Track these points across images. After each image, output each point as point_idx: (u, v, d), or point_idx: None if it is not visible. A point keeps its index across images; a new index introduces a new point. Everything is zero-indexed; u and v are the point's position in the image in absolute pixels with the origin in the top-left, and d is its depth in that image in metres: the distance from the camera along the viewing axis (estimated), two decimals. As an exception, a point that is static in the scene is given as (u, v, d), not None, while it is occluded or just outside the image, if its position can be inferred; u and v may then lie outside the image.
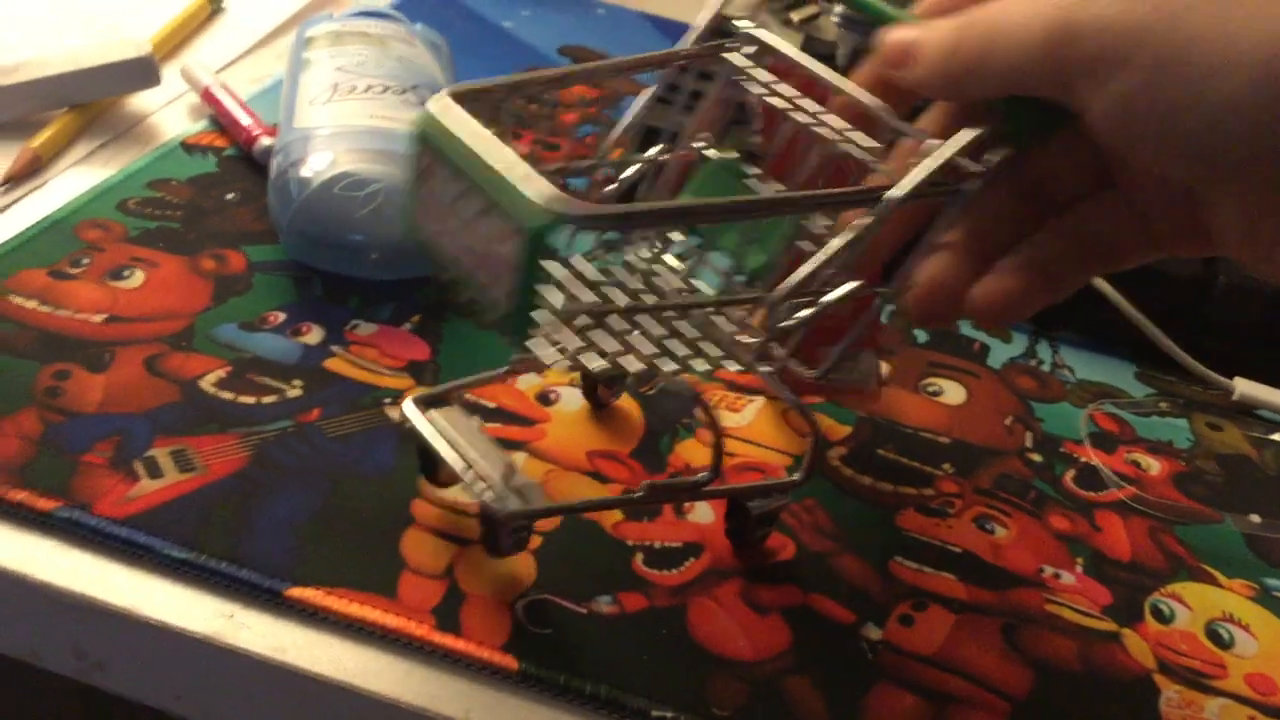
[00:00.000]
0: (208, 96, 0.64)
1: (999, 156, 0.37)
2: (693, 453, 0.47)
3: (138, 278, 0.51)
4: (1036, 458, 0.50)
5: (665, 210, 0.39)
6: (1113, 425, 0.53)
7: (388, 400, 0.47)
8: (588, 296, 0.37)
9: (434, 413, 0.41)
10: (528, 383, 0.49)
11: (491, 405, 0.48)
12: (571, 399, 0.49)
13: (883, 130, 0.39)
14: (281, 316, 0.50)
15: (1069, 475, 0.49)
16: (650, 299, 0.41)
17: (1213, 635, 0.43)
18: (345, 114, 0.55)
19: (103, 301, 0.49)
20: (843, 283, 0.37)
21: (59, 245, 0.52)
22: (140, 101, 0.65)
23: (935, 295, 0.39)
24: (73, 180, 0.58)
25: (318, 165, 0.52)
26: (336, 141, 0.53)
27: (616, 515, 0.44)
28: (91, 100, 0.62)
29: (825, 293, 0.37)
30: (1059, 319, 0.58)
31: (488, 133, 0.35)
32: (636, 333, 0.38)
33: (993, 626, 0.42)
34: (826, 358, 0.40)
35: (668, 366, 0.37)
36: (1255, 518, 0.49)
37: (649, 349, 0.37)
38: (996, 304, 0.38)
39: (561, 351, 0.35)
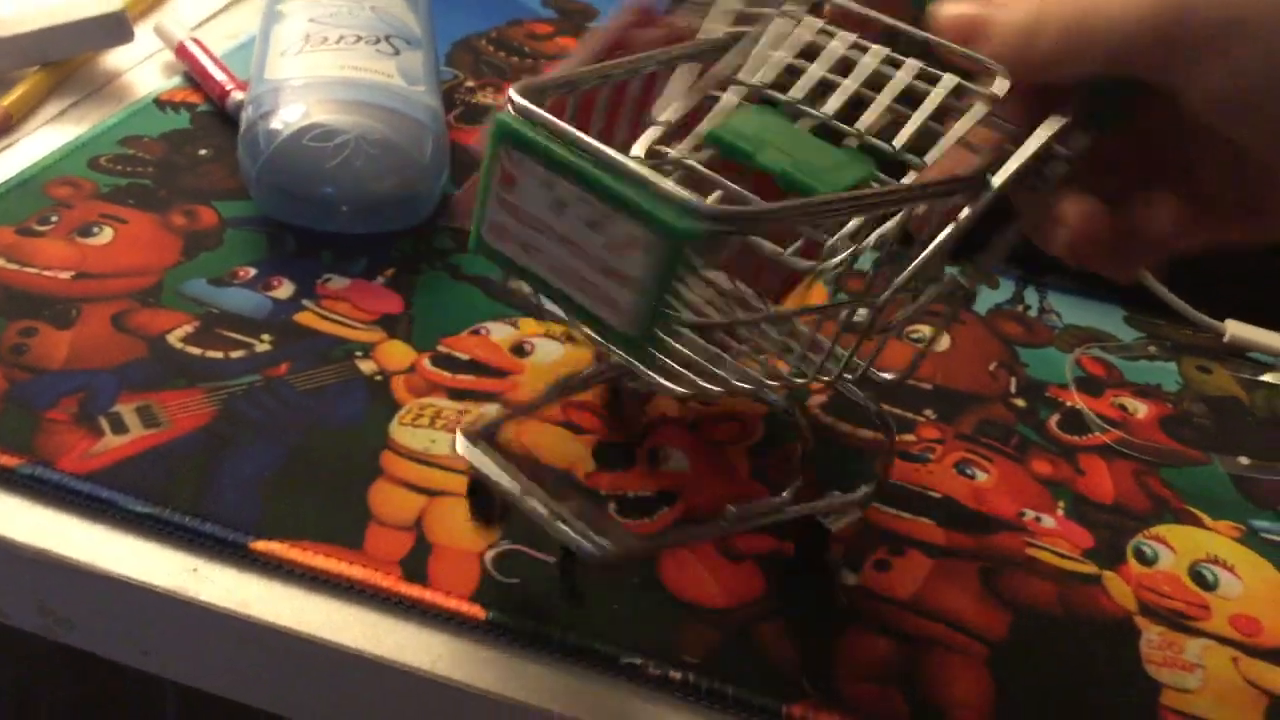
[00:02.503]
0: (181, 52, 0.63)
1: (1083, 143, 0.34)
2: (670, 403, 0.46)
3: (107, 234, 0.50)
4: (1020, 403, 0.49)
5: (807, 206, 0.33)
6: (1099, 369, 0.52)
7: (359, 353, 0.46)
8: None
9: (487, 446, 0.37)
10: (502, 335, 0.49)
11: (465, 358, 0.47)
12: (546, 350, 0.48)
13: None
14: (252, 271, 0.50)
15: (1053, 419, 0.49)
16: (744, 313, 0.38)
17: (1196, 576, 0.42)
18: (316, 65, 0.54)
19: (70, 258, 0.49)
20: (932, 279, 0.35)
21: (28, 203, 0.52)
22: (114, 59, 0.64)
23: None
24: (44, 138, 0.57)
25: (288, 117, 0.51)
26: (307, 93, 0.52)
27: (590, 464, 0.43)
28: (64, 58, 0.62)
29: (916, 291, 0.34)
30: (1047, 264, 0.57)
31: (584, 134, 0.31)
32: (744, 346, 0.36)
33: (971, 570, 0.41)
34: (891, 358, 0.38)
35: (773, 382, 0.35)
36: (1244, 459, 0.48)
37: (751, 364, 0.35)
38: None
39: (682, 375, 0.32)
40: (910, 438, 0.47)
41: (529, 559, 0.39)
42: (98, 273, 0.48)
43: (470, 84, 0.66)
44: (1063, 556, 0.42)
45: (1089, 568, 0.42)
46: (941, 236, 0.34)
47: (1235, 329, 0.54)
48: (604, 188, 0.30)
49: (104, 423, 0.42)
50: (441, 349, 0.47)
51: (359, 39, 0.56)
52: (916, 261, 0.34)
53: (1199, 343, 0.55)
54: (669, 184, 0.30)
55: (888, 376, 0.38)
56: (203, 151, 0.57)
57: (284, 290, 0.49)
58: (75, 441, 0.41)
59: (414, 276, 0.51)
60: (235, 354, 0.45)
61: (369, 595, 0.37)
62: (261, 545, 0.38)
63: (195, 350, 0.45)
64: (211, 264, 0.50)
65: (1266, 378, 0.53)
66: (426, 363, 0.46)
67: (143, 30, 0.65)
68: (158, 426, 0.42)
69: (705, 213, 0.29)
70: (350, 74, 0.54)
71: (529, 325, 0.49)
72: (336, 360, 0.46)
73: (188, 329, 0.46)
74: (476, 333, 0.48)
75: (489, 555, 0.39)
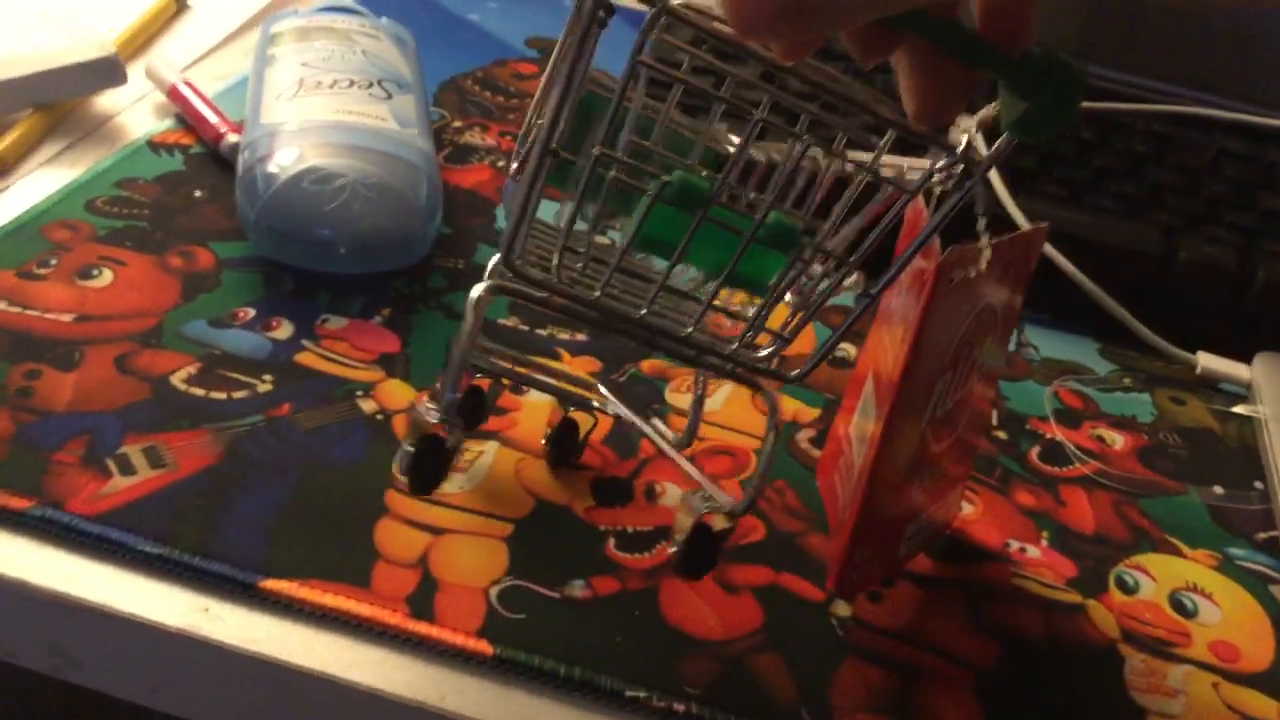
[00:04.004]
0: (174, 94, 0.64)
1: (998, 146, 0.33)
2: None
3: (106, 277, 0.51)
4: (1002, 435, 0.51)
5: None
6: (1077, 401, 0.54)
7: (359, 393, 0.47)
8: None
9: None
10: (498, 372, 0.50)
11: (461, 396, 0.48)
12: (541, 398, 0.49)
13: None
14: (251, 312, 0.50)
15: (1034, 451, 0.50)
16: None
17: (1176, 604, 0.44)
18: (311, 109, 0.55)
19: (71, 301, 0.50)
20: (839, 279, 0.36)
21: (26, 247, 0.52)
22: (106, 101, 0.65)
23: None
24: (40, 181, 0.58)
25: (284, 160, 0.52)
26: (303, 136, 0.53)
27: (589, 500, 0.44)
28: (57, 101, 0.62)
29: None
30: (1024, 298, 0.59)
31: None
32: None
33: (959, 601, 0.43)
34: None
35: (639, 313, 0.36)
36: (1218, 489, 0.50)
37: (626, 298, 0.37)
38: None
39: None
40: (897, 471, 0.48)
41: (533, 594, 0.40)
42: (99, 315, 0.49)
43: (458, 124, 0.67)
44: (1047, 586, 0.44)
45: (1073, 597, 0.44)
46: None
47: (1207, 361, 0.56)
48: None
49: (111, 464, 0.42)
50: (439, 387, 0.48)
51: (352, 83, 0.58)
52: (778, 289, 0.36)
53: (1172, 375, 0.56)
54: None
55: (791, 375, 0.38)
56: (197, 193, 0.58)
57: (283, 331, 0.50)
58: (84, 483, 0.41)
59: (410, 316, 0.52)
60: (238, 394, 0.46)
61: (377, 633, 0.38)
62: (271, 584, 0.39)
63: (199, 391, 0.46)
64: (210, 305, 0.51)
65: (1238, 409, 0.54)
66: (425, 401, 0.47)
67: (134, 72, 0.66)
68: (164, 467, 0.42)
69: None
70: (345, 118, 0.55)
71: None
72: (338, 400, 0.47)
73: (190, 370, 0.47)
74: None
75: (494, 591, 0.40)
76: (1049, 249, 0.57)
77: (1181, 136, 0.68)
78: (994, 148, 0.33)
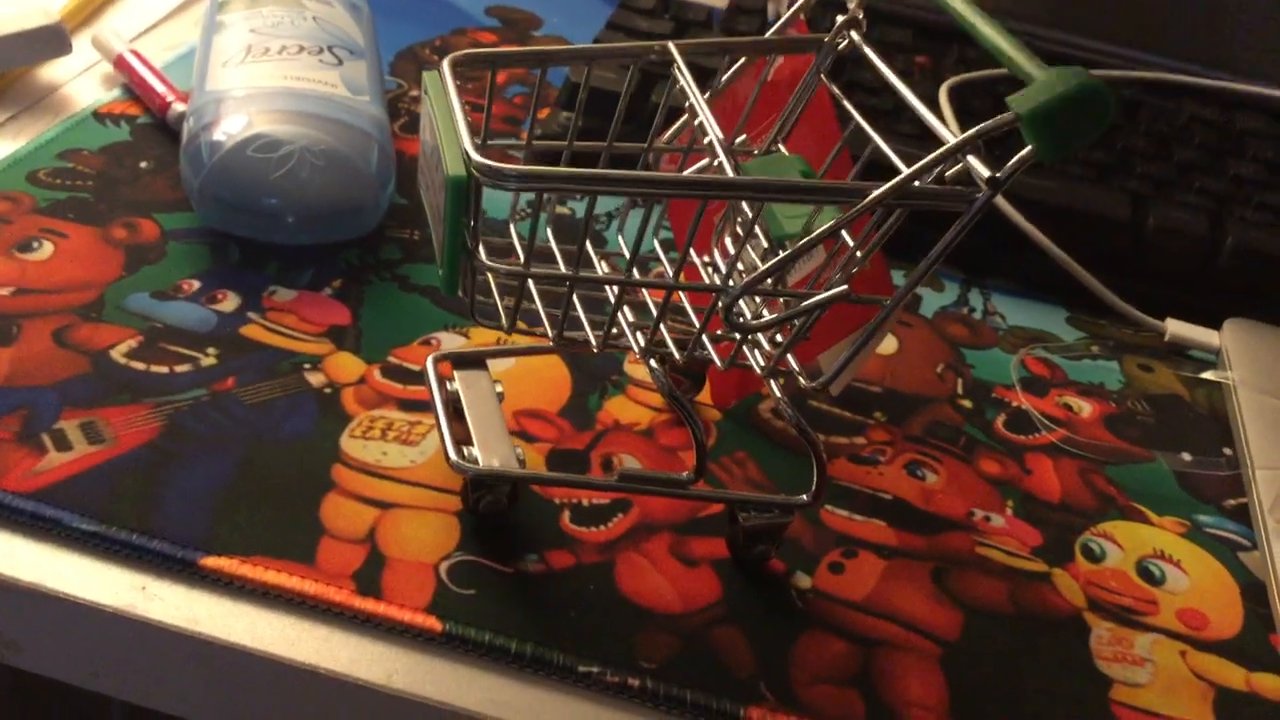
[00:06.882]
0: (120, 64, 0.62)
1: (1017, 159, 0.33)
2: (622, 409, 0.47)
3: (46, 249, 0.50)
4: (967, 404, 0.50)
5: (581, 176, 0.33)
6: (1043, 369, 0.53)
7: (307, 366, 0.46)
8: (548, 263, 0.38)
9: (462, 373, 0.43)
10: (453, 344, 0.48)
11: (416, 369, 0.47)
12: (497, 361, 0.48)
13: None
14: (196, 284, 0.49)
15: (1000, 420, 0.49)
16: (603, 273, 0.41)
17: (1144, 572, 0.43)
18: (259, 75, 0.54)
19: (9, 274, 0.48)
20: (831, 287, 0.35)
21: (-36, 218, 0.51)
22: (52, 71, 0.63)
23: None
24: (-20, 153, 0.56)
25: (230, 128, 0.50)
26: (250, 103, 0.52)
27: (543, 472, 0.43)
28: (1, 71, 0.60)
29: (809, 295, 0.35)
30: (990, 266, 0.58)
31: (455, 97, 0.35)
32: (580, 302, 0.39)
33: (923, 571, 0.42)
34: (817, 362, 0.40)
35: (594, 336, 0.38)
36: (1186, 455, 0.49)
37: (585, 318, 0.38)
38: None
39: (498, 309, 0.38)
40: (861, 440, 0.47)
41: (485, 569, 0.39)
42: (38, 288, 0.47)
43: (414, 93, 0.66)
44: (1012, 555, 0.43)
45: (1038, 566, 0.43)
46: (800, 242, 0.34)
47: (1175, 328, 0.55)
48: (440, 141, 0.35)
49: (47, 440, 0.41)
50: (392, 360, 0.47)
51: (301, 49, 0.56)
52: (771, 262, 0.34)
53: (1140, 342, 0.56)
54: (464, 137, 0.33)
55: (807, 383, 0.39)
56: (143, 164, 0.56)
57: (229, 303, 0.48)
58: (18, 460, 0.40)
59: (362, 287, 0.50)
60: (180, 368, 0.45)
61: (322, 610, 0.37)
62: (211, 561, 0.38)
63: (139, 365, 0.44)
64: (154, 277, 0.49)
65: (1206, 375, 0.54)
66: (377, 374, 0.46)
67: (80, 42, 0.64)
68: (102, 443, 0.41)
69: (473, 162, 0.33)
70: (293, 84, 0.53)
71: (480, 335, 0.49)
72: (284, 373, 0.45)
73: (131, 344, 0.45)
74: (427, 343, 0.48)
75: (444, 566, 0.39)
76: (1014, 214, 0.56)
77: (1151, 102, 0.67)
78: (1014, 159, 0.32)
